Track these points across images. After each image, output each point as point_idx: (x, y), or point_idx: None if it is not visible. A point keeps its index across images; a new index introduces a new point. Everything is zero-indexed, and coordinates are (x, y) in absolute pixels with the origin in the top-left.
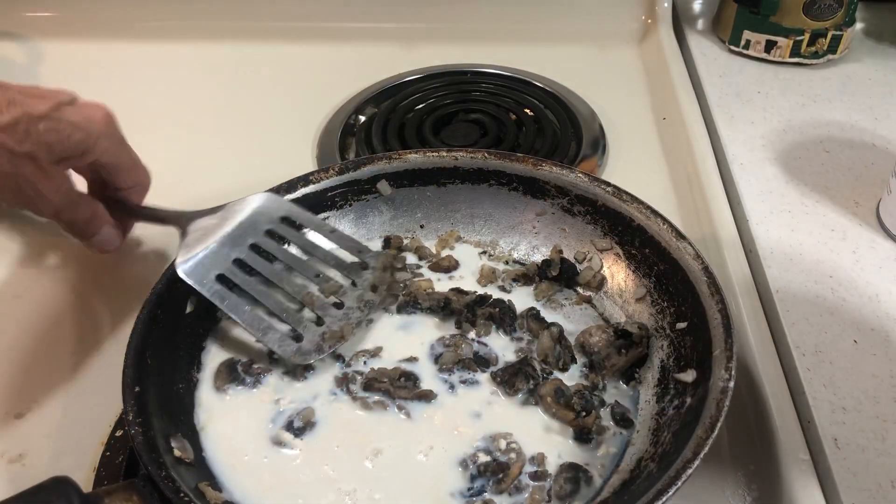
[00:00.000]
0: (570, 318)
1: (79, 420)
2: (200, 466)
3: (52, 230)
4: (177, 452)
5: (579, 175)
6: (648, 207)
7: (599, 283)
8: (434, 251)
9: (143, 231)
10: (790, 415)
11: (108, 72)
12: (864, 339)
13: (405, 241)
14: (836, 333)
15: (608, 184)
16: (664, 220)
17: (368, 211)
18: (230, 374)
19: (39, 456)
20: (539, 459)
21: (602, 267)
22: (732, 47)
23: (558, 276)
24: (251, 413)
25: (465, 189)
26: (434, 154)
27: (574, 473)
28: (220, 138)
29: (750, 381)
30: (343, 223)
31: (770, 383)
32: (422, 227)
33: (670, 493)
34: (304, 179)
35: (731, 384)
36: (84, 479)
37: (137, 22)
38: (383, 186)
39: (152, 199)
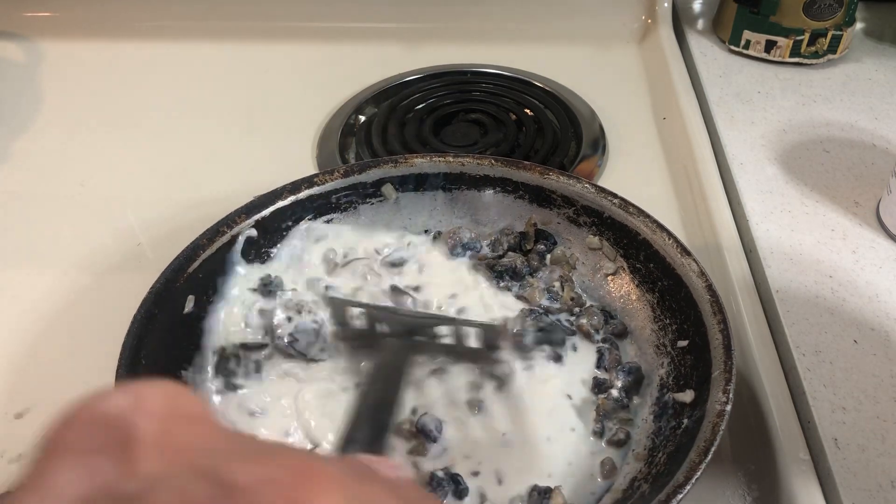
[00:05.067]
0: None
1: None
2: None
3: (50, 230)
4: None
5: (586, 185)
6: (655, 221)
7: None
8: None
9: (143, 231)
10: (790, 415)
11: (108, 72)
12: (864, 339)
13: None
14: (836, 333)
15: (615, 195)
16: (670, 234)
17: (372, 214)
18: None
19: None
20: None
21: None
22: (732, 47)
23: (532, 249)
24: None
25: (471, 195)
26: (440, 159)
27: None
28: (219, 138)
29: (750, 381)
30: (346, 226)
31: (770, 383)
32: (426, 232)
33: None
34: (309, 181)
35: (728, 407)
36: None
37: (137, 22)
38: (388, 190)
39: (151, 200)
